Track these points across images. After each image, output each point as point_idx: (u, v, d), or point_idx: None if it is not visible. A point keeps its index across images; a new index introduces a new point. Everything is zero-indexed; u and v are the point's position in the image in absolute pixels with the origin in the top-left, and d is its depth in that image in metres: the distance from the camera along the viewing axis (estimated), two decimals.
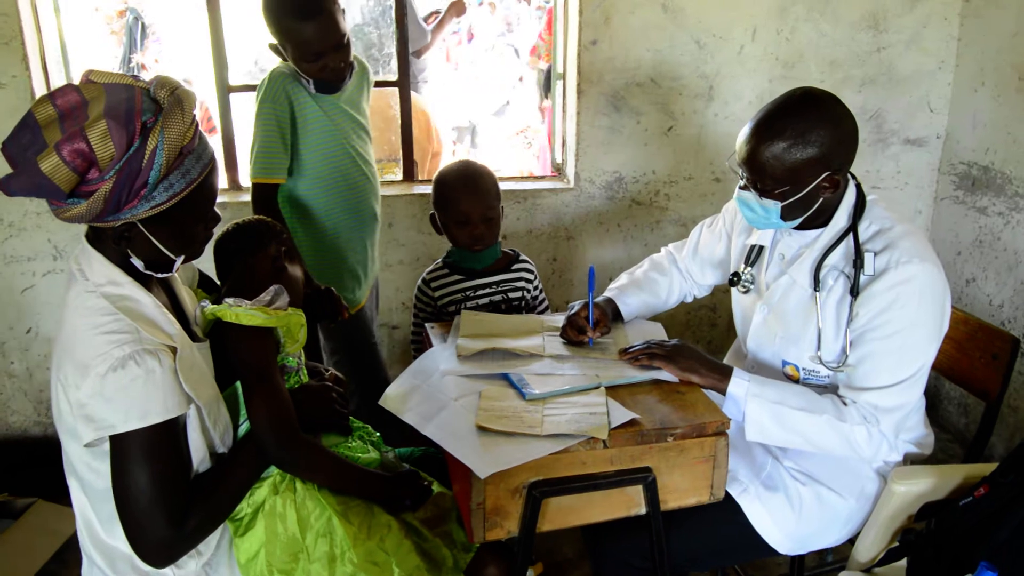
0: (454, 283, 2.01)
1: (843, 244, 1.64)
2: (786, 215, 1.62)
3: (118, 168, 1.21)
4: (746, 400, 1.61)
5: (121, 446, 1.27)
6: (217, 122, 3.02)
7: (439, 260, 2.07)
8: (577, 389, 1.59)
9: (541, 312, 2.10)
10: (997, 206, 2.78)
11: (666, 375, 1.66)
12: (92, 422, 1.26)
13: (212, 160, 1.33)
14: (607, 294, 1.97)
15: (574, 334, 1.79)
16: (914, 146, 3.05)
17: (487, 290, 2.02)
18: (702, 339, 3.25)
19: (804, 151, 1.54)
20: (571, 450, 1.44)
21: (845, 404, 1.59)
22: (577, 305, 1.85)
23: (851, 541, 1.73)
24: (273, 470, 1.48)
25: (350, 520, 1.45)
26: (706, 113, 2.93)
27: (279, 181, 2.17)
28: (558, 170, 3.16)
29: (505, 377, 1.65)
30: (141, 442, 1.27)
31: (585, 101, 2.87)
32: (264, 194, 2.16)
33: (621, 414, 1.50)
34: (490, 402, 1.55)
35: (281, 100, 2.11)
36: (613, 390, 1.61)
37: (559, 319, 1.91)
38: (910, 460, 1.74)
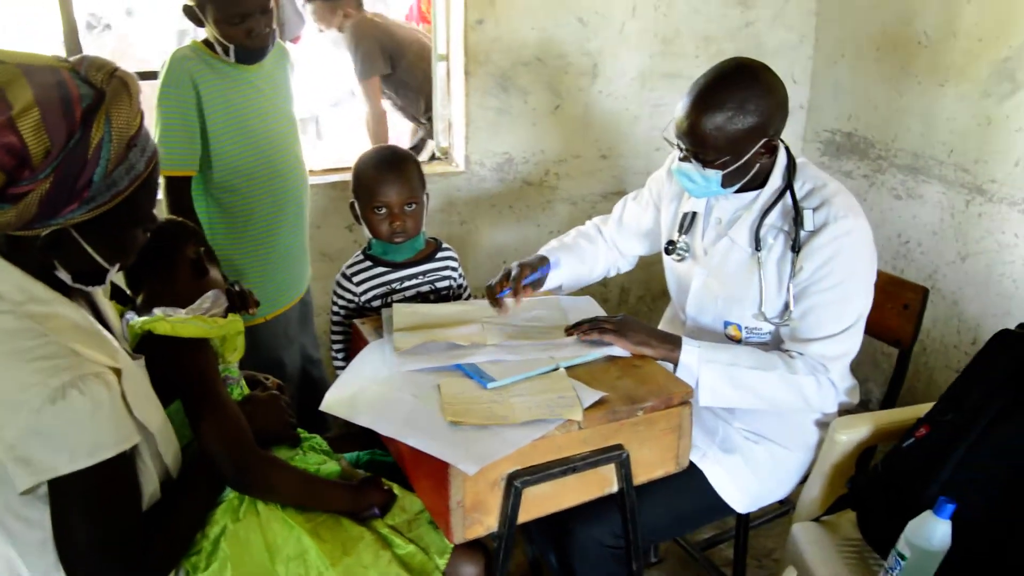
0: (378, 276, 1.90)
1: (780, 203, 1.69)
2: (726, 183, 1.65)
3: (55, 165, 1.02)
4: (700, 366, 1.63)
5: (65, 489, 1.09)
6: None
7: (359, 252, 1.95)
8: (537, 373, 1.55)
9: (466, 300, 2.04)
10: (861, 169, 2.99)
11: (618, 350, 1.65)
12: (29, 465, 1.07)
13: (155, 152, 1.16)
14: (538, 253, 1.95)
15: (497, 289, 1.76)
16: None
17: (413, 281, 1.92)
18: None
19: (744, 120, 1.57)
20: (546, 436, 1.40)
21: (792, 357, 1.65)
22: (514, 267, 1.81)
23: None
24: (229, 492, 1.34)
25: (322, 537, 1.34)
26: (591, 91, 2.95)
27: (188, 173, 1.98)
28: (444, 154, 3.08)
29: (458, 368, 1.58)
30: (89, 482, 1.09)
31: (473, 83, 2.80)
32: (174, 187, 1.97)
33: (589, 394, 1.47)
34: (453, 395, 1.47)
35: (185, 84, 1.94)
36: (571, 370, 1.58)
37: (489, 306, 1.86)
38: (842, 409, 1.83)
